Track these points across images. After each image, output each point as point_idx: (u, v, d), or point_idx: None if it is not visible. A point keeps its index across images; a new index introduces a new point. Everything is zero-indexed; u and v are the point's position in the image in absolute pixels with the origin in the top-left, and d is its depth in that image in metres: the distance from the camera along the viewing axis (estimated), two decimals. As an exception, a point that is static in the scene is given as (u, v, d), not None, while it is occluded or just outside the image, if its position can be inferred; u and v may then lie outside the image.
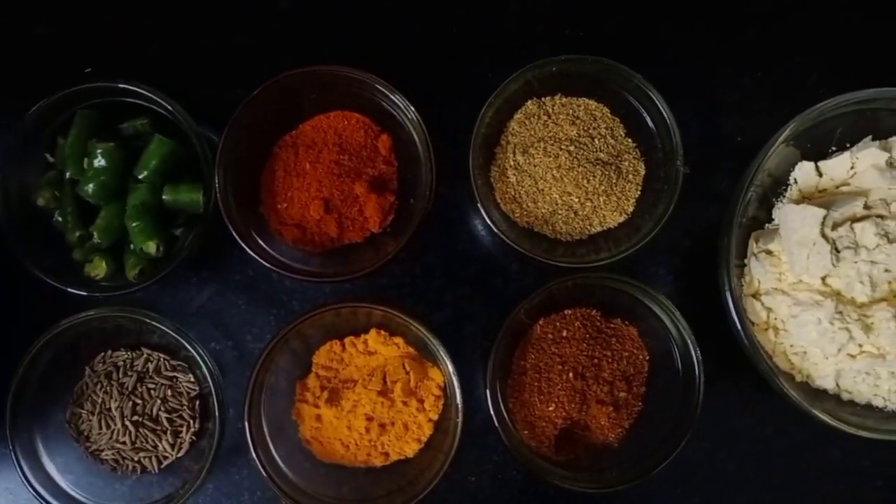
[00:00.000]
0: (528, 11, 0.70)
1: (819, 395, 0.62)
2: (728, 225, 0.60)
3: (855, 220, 0.60)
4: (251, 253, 0.61)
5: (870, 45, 0.70)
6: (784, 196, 0.64)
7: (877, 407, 0.61)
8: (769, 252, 0.62)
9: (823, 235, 0.59)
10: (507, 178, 0.65)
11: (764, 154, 0.60)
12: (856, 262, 0.59)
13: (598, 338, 0.65)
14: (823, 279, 0.60)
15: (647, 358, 0.65)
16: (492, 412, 0.61)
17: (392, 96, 0.63)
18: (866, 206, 0.61)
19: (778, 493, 0.68)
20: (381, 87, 0.63)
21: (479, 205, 0.62)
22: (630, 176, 0.65)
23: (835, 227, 0.59)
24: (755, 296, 0.62)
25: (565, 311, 0.66)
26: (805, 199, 0.64)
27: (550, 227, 0.66)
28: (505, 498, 0.68)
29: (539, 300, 0.63)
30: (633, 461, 0.63)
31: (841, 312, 0.58)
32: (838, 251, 0.58)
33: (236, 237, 0.62)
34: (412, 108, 0.62)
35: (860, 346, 0.59)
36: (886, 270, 0.59)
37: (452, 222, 0.69)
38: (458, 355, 0.62)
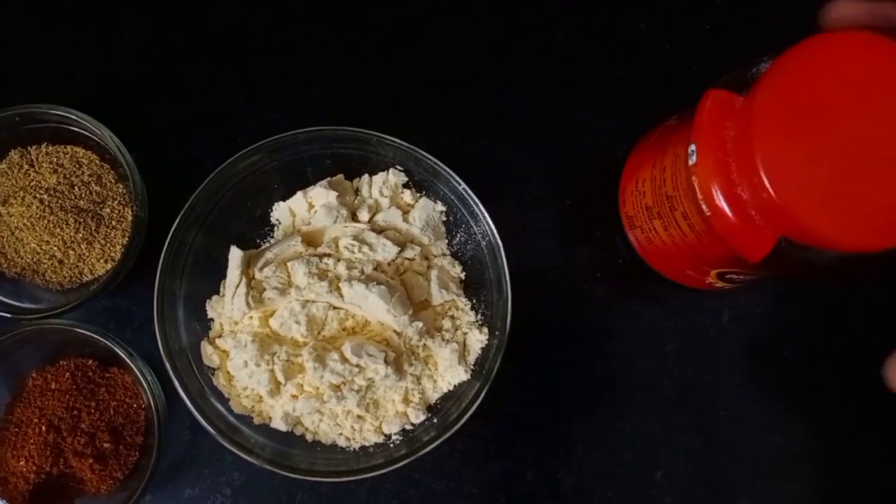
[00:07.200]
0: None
1: (288, 437, 0.60)
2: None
3: (291, 259, 0.59)
4: None
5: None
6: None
7: (341, 447, 0.60)
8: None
9: (247, 276, 0.58)
10: (-11, 229, 0.64)
11: (200, 190, 0.60)
12: (289, 303, 0.58)
13: (86, 388, 0.63)
14: (267, 319, 0.60)
15: (144, 406, 0.64)
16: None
17: None
18: (313, 244, 0.61)
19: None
20: None
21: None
22: (114, 222, 0.64)
23: (266, 266, 0.59)
24: (213, 340, 0.61)
25: (60, 362, 0.65)
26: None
27: (41, 277, 0.64)
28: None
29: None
30: (117, 514, 0.62)
31: (275, 353, 0.58)
32: (263, 291, 0.58)
33: None
34: None
35: (301, 385, 0.58)
36: (334, 308, 0.59)
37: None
38: None
